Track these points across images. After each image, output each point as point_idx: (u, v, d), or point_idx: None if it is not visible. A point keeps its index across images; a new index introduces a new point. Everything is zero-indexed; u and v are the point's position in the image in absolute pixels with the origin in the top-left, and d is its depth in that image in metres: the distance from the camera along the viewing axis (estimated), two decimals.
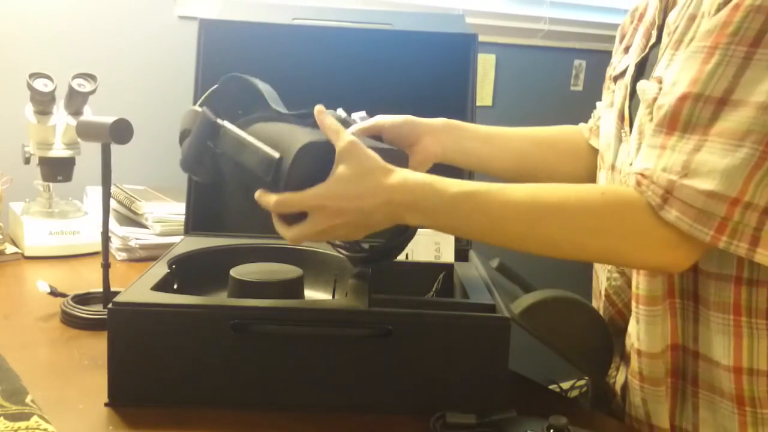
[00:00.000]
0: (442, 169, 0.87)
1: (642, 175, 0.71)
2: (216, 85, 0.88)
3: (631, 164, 0.81)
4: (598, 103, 1.05)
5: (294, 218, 0.75)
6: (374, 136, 0.92)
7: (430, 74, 1.16)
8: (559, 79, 2.38)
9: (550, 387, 0.99)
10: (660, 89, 0.75)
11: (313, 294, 0.95)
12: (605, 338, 0.85)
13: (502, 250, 1.03)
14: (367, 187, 0.73)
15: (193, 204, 1.10)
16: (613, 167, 0.89)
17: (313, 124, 0.79)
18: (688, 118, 0.69)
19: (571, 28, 2.09)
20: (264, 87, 0.87)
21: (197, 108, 0.84)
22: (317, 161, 0.74)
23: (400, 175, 0.74)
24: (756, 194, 0.66)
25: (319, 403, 0.76)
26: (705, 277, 0.77)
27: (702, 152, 0.67)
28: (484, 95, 2.10)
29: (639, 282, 0.80)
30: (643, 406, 0.83)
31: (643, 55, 0.87)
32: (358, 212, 0.73)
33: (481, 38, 1.18)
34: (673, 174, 0.68)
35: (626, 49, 0.95)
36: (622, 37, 0.97)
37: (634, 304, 0.82)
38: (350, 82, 1.17)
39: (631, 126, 0.85)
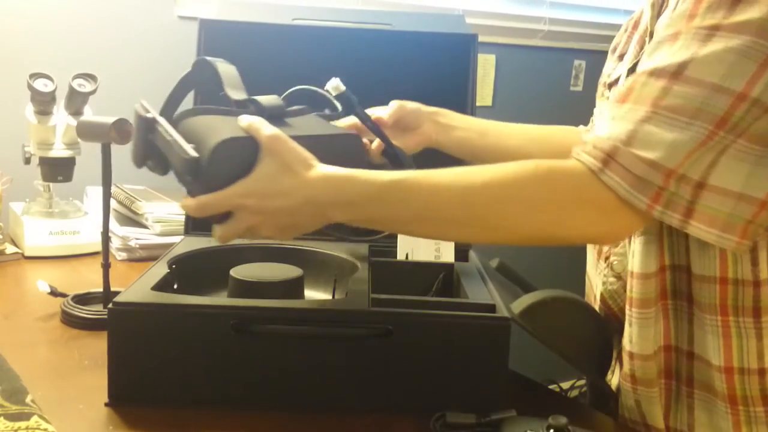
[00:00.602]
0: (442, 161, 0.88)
1: (585, 142, 0.70)
2: (188, 71, 0.87)
3: None
4: (595, 110, 1.06)
5: (221, 217, 0.73)
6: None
7: (430, 74, 1.16)
8: (559, 80, 2.38)
9: (550, 387, 0.99)
10: None
11: (313, 294, 0.95)
12: (605, 338, 0.85)
13: (502, 250, 1.03)
14: (287, 185, 0.71)
15: None
16: None
17: (254, 112, 0.77)
18: (641, 90, 0.68)
19: (571, 29, 2.10)
20: (225, 70, 0.85)
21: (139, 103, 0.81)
22: (239, 158, 0.71)
23: (322, 170, 0.72)
24: (691, 168, 0.65)
25: (319, 403, 0.76)
26: (695, 279, 0.77)
27: (650, 124, 0.66)
28: (484, 95, 2.10)
29: (633, 285, 0.80)
30: (637, 408, 0.83)
31: (635, 61, 0.87)
32: (280, 211, 0.72)
33: (481, 38, 1.18)
34: (618, 141, 0.67)
35: (621, 57, 0.96)
36: (615, 47, 0.98)
37: (627, 307, 0.81)
38: (350, 82, 1.16)
39: None
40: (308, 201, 0.71)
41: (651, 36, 0.85)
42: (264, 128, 0.73)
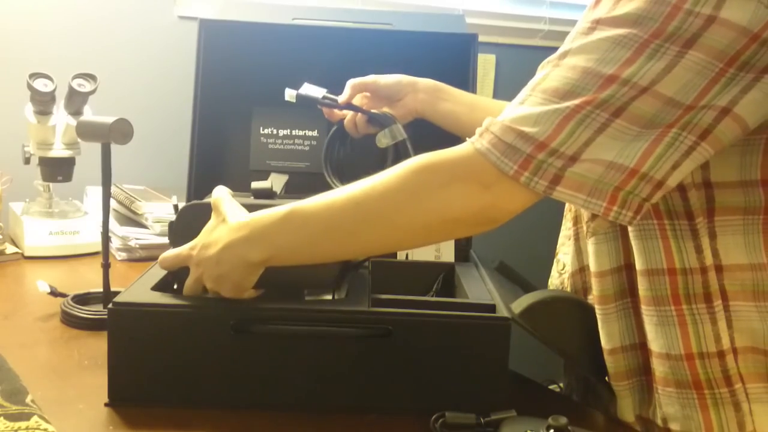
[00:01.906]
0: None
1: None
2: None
3: None
4: None
5: (184, 273, 0.80)
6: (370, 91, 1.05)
7: (430, 74, 1.16)
8: None
9: (550, 387, 0.99)
10: None
11: (313, 294, 0.94)
12: None
13: (502, 250, 1.03)
14: (215, 235, 0.78)
15: None
16: None
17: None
18: (530, 81, 0.72)
19: (571, 28, 2.09)
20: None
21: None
22: (200, 220, 0.81)
23: (243, 216, 0.78)
24: (565, 144, 0.67)
25: (319, 403, 0.76)
26: (644, 274, 0.78)
27: (525, 104, 0.70)
28: (484, 95, 2.10)
29: (593, 283, 0.82)
30: (609, 402, 0.85)
31: None
32: (210, 260, 0.76)
33: (481, 38, 1.18)
34: (496, 118, 0.71)
35: None
36: None
37: (595, 305, 0.83)
38: None
39: None
40: (226, 246, 0.76)
41: None
42: (216, 192, 0.82)
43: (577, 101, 0.67)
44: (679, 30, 0.65)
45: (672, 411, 0.79)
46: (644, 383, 0.82)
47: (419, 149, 0.77)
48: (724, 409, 0.77)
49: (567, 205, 0.92)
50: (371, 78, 1.05)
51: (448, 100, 1.04)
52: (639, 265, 0.78)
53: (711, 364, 0.76)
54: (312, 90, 1.04)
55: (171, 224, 0.85)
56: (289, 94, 1.04)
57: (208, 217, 0.80)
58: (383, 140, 1.01)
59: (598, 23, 0.69)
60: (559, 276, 0.94)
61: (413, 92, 1.04)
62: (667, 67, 0.66)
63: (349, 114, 1.06)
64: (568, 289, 0.92)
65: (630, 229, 0.79)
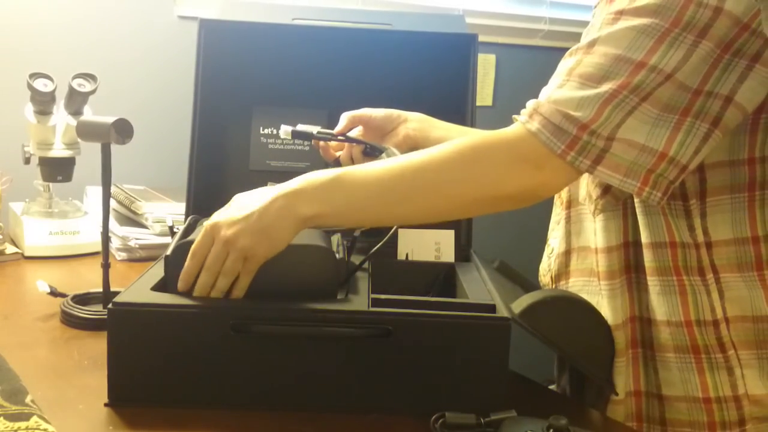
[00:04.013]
0: None
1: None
2: None
3: None
4: None
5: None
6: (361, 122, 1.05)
7: (430, 74, 1.16)
8: None
9: (550, 387, 0.99)
10: None
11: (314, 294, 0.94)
12: (606, 337, 0.85)
13: (502, 250, 1.03)
14: (255, 195, 0.79)
15: (193, 204, 1.10)
16: None
17: None
18: (562, 65, 0.79)
19: (571, 28, 2.09)
20: None
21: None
22: None
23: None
24: (602, 126, 0.74)
25: (319, 403, 0.76)
26: (649, 247, 0.84)
27: (564, 88, 0.76)
28: (484, 95, 2.10)
29: (598, 259, 0.88)
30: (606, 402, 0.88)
31: None
32: (252, 216, 0.76)
33: (481, 38, 1.18)
34: (542, 100, 0.77)
35: None
36: None
37: (596, 281, 0.89)
38: (350, 82, 1.17)
39: None
40: (274, 199, 0.76)
41: None
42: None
43: (613, 86, 0.73)
44: (692, 20, 0.73)
45: (669, 376, 0.84)
46: (639, 355, 0.87)
47: None
48: (718, 373, 0.82)
49: (558, 193, 0.98)
50: (364, 111, 1.05)
51: (440, 128, 1.06)
52: (645, 238, 0.84)
53: (707, 332, 0.82)
54: (306, 127, 1.05)
55: (167, 258, 0.81)
56: (285, 131, 1.04)
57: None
58: None
59: (621, 14, 0.76)
60: (548, 258, 1.00)
61: (404, 122, 1.05)
62: (686, 56, 0.73)
63: (344, 148, 1.06)
64: (554, 270, 0.97)
65: (637, 205, 0.85)
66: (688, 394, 0.83)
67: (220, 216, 0.79)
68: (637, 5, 0.74)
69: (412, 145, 1.05)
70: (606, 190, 0.86)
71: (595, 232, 0.89)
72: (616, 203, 0.86)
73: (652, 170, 0.74)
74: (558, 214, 0.99)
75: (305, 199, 0.76)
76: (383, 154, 1.01)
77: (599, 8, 0.82)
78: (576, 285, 0.94)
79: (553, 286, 0.97)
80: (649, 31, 0.73)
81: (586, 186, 0.90)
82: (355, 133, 1.06)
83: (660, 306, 0.84)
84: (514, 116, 0.80)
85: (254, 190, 0.80)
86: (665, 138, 0.74)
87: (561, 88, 0.76)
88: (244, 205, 0.77)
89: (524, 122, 0.77)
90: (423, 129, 1.05)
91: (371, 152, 1.03)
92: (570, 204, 0.95)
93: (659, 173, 0.74)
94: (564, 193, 0.97)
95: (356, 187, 0.78)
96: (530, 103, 0.78)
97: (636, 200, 0.85)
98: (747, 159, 0.81)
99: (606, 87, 0.73)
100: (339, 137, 1.04)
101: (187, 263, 0.78)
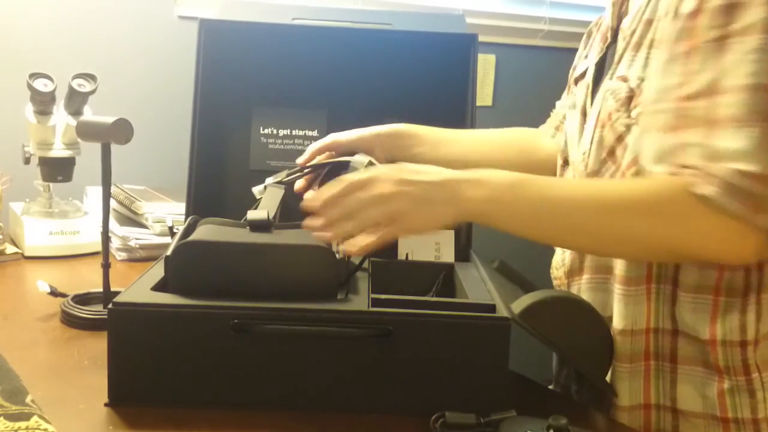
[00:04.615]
0: None
1: (685, 166, 0.72)
2: None
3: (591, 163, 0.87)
4: (558, 103, 1.16)
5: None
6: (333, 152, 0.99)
7: (430, 74, 1.16)
8: (559, 79, 2.36)
9: (550, 387, 0.99)
10: (630, 88, 0.82)
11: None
12: (606, 338, 0.85)
13: (502, 250, 1.03)
14: (431, 168, 0.75)
15: (193, 204, 1.10)
16: (567, 162, 0.96)
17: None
18: (694, 113, 0.72)
19: (571, 28, 2.09)
20: None
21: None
22: (203, 259, 0.80)
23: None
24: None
25: (319, 403, 0.76)
26: (691, 266, 0.81)
27: (722, 140, 0.70)
28: (484, 95, 2.10)
29: (617, 261, 0.85)
30: (610, 383, 0.87)
31: (601, 55, 0.94)
32: (424, 184, 0.73)
33: (481, 38, 1.18)
34: (704, 159, 0.71)
35: (587, 55, 1.04)
36: (584, 48, 1.09)
37: (612, 281, 0.86)
38: (350, 82, 1.17)
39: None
40: (450, 178, 0.74)
41: (613, 31, 0.93)
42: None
43: (762, 122, 0.69)
44: None
45: (688, 391, 0.82)
46: (651, 367, 0.84)
47: None
48: (739, 395, 0.80)
49: None
50: (330, 138, 1.00)
51: (413, 144, 1.01)
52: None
53: (732, 353, 0.80)
54: (274, 176, 1.02)
55: (167, 258, 0.80)
56: (258, 191, 1.01)
57: (208, 257, 0.78)
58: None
59: (726, 38, 0.71)
60: (562, 253, 0.97)
61: (379, 146, 0.99)
62: None
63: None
64: (568, 265, 0.95)
65: None
66: (706, 411, 0.82)
67: (381, 170, 0.75)
68: (742, 25, 0.70)
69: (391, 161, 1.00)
70: None
71: None
72: None
73: None
74: None
75: (479, 191, 0.74)
76: (350, 170, 0.97)
77: (676, 31, 0.76)
78: (590, 282, 0.91)
79: (566, 281, 0.96)
80: (766, 48, 0.69)
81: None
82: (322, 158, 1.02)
83: (689, 321, 0.81)
84: (688, 176, 0.72)
85: (426, 165, 0.77)
86: None
87: (720, 140, 0.70)
88: (415, 170, 0.74)
89: (717, 196, 0.70)
90: (399, 147, 0.99)
91: (336, 172, 0.98)
92: None
93: None
94: None
95: (541, 200, 0.75)
96: (702, 164, 0.71)
97: None
98: None
99: (759, 124, 0.69)
100: (306, 170, 1.00)
101: (326, 193, 0.75)
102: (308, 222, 0.77)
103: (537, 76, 2.17)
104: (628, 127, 0.83)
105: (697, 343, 0.81)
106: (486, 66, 2.08)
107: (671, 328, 0.83)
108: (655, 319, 0.84)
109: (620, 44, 0.88)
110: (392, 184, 0.73)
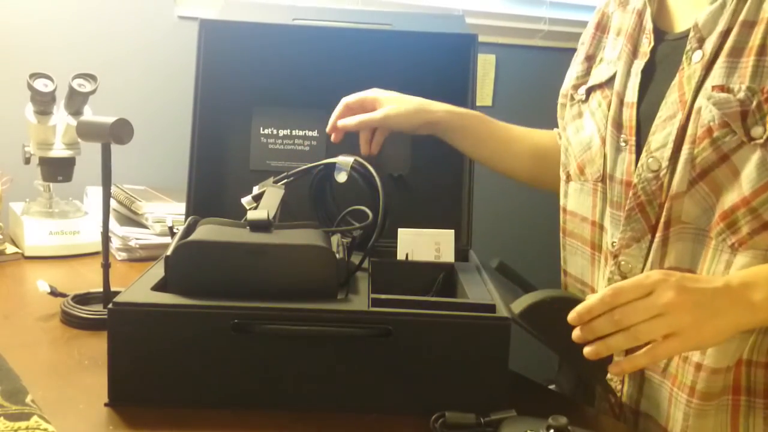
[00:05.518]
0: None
1: None
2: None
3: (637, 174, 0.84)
4: (560, 121, 1.11)
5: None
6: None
7: (429, 74, 1.16)
8: (559, 79, 2.37)
9: (550, 387, 0.99)
10: (740, 101, 0.75)
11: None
12: None
13: (502, 250, 1.03)
14: (701, 277, 0.71)
15: (193, 204, 1.10)
16: (610, 177, 0.90)
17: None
18: None
19: (571, 28, 2.09)
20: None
21: None
22: (205, 259, 0.80)
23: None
24: None
25: (319, 403, 0.76)
26: None
27: None
28: (484, 95, 2.10)
29: None
30: (683, 421, 0.82)
31: (646, 60, 0.88)
32: (701, 291, 0.67)
33: (481, 38, 1.18)
34: None
35: (588, 59, 1.00)
36: (585, 51, 1.03)
37: None
38: (350, 82, 1.17)
39: (637, 134, 0.86)
40: (729, 281, 0.69)
41: (656, 35, 0.88)
42: None
43: None
44: None
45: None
46: (741, 402, 0.81)
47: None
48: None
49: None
50: (374, 94, 1.04)
51: (487, 138, 1.07)
52: None
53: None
54: (262, 184, 1.02)
55: (167, 258, 0.79)
56: (247, 202, 1.00)
57: (208, 257, 0.78)
58: (340, 178, 1.00)
59: None
60: (618, 277, 0.89)
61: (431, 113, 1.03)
62: None
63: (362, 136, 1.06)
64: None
65: None
66: None
67: (668, 275, 0.68)
68: None
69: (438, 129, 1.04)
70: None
71: (726, 264, 0.78)
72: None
73: None
74: (635, 229, 0.85)
75: (760, 288, 0.69)
76: (336, 169, 0.99)
77: (749, 58, 0.73)
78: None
79: None
80: None
81: (717, 213, 0.78)
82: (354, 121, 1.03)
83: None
84: None
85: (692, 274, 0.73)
86: None
87: None
88: (690, 278, 0.68)
89: None
90: (473, 147, 1.06)
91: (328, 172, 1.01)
92: (670, 224, 0.82)
93: None
94: (654, 210, 0.84)
95: None
96: None
97: None
98: None
99: None
100: (293, 176, 1.01)
101: (599, 300, 0.68)
102: (575, 334, 0.70)
103: (537, 76, 2.17)
104: (740, 146, 0.76)
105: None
106: (486, 66, 2.08)
107: (765, 360, 0.79)
108: (750, 350, 0.79)
109: (695, 50, 0.80)
110: (678, 290, 0.66)
